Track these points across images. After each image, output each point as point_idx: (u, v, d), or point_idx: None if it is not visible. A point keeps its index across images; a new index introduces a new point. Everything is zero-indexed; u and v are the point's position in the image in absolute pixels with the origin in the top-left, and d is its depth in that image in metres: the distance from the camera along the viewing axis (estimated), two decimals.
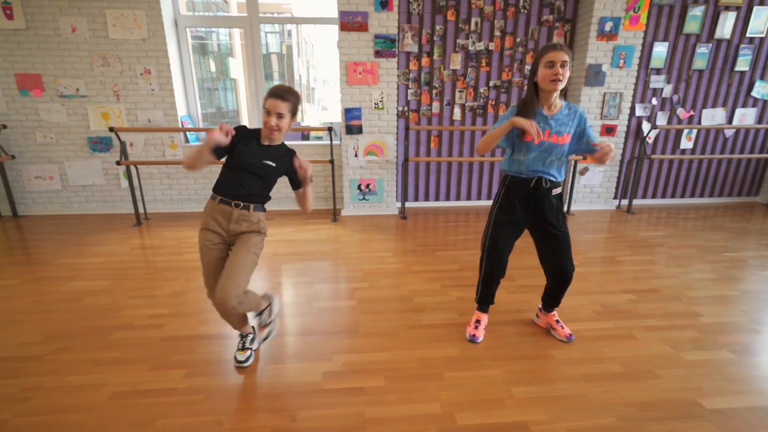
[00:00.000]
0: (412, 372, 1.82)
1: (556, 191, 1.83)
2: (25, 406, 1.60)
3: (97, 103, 4.07)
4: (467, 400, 1.65)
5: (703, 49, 4.35)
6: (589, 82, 4.16)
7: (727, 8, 4.24)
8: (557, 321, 2.08)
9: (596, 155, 1.70)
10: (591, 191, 4.61)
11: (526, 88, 1.88)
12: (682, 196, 4.91)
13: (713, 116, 4.59)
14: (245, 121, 13.44)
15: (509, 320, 2.24)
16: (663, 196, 4.89)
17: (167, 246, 3.42)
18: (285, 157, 1.72)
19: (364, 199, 4.35)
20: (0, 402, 1.62)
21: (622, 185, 4.73)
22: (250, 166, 1.64)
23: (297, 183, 1.78)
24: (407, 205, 4.57)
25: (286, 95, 1.59)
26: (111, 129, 3.62)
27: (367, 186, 4.31)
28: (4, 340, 2.05)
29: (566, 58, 1.63)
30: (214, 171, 4.38)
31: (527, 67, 4.31)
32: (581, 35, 4.17)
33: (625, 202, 4.72)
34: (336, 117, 3.97)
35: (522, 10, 4.14)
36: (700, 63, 4.39)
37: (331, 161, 3.94)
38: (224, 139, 1.53)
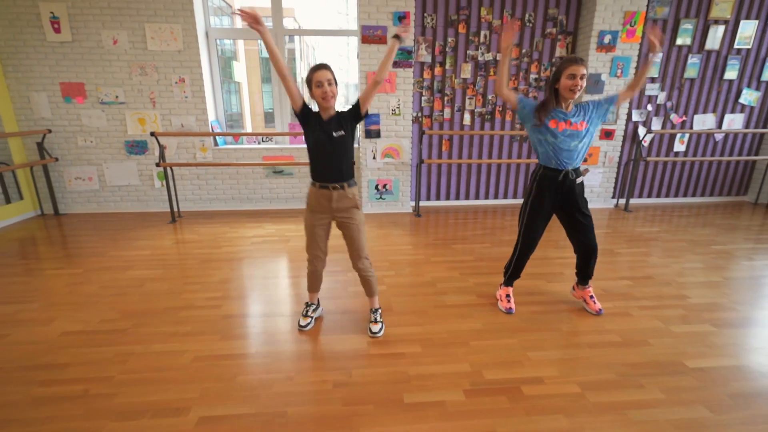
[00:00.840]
0: (443, 341, 2.15)
1: (580, 180, 2.18)
2: (124, 366, 1.93)
3: (135, 109, 4.40)
4: (491, 361, 1.98)
5: (694, 60, 4.70)
6: (589, 90, 4.51)
7: (716, 22, 4.60)
8: (591, 296, 2.44)
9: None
10: (591, 191, 4.95)
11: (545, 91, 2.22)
12: (676, 195, 5.26)
13: (704, 121, 4.95)
14: (248, 123, 13.83)
15: (522, 302, 2.57)
16: (658, 195, 5.24)
17: (205, 240, 3.75)
18: (347, 119, 1.95)
19: (381, 198, 4.69)
20: (103, 363, 1.94)
21: (620, 185, 5.07)
22: (327, 142, 1.92)
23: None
24: (421, 203, 4.91)
25: (326, 65, 1.89)
26: (152, 134, 3.95)
27: (384, 186, 4.65)
28: (88, 317, 2.37)
29: (585, 71, 1.98)
30: (241, 172, 4.71)
31: (532, 76, 4.66)
32: (582, 47, 4.52)
33: (623, 201, 5.06)
34: None
35: (527, 24, 4.49)
36: (691, 72, 4.75)
37: (353, 163, 4.26)
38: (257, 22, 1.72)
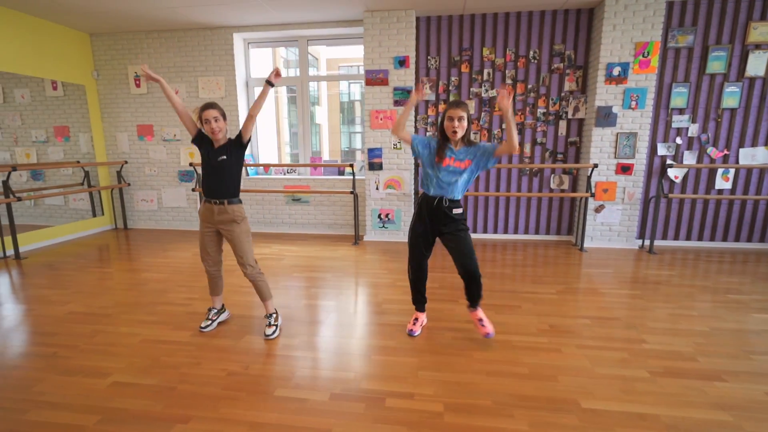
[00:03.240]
0: (346, 351, 2.29)
1: (457, 211, 2.25)
2: (91, 339, 2.43)
3: (187, 145, 5.36)
4: (377, 374, 2.07)
5: (732, 88, 4.24)
6: (599, 123, 4.32)
7: (758, 46, 4.14)
8: (480, 320, 2.40)
9: (503, 114, 2.09)
10: (609, 229, 4.59)
11: (438, 133, 2.37)
12: (724, 240, 4.58)
13: (753, 155, 4.34)
14: (326, 156, 15.14)
15: (452, 327, 2.58)
16: (700, 238, 4.62)
17: None
18: (232, 147, 2.28)
19: (383, 227, 4.92)
20: (78, 336, 2.48)
21: (650, 224, 4.61)
22: (212, 163, 2.27)
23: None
24: None
25: (214, 104, 2.21)
26: (191, 164, 4.79)
27: (387, 215, 4.89)
28: (93, 303, 2.99)
29: (462, 113, 2.11)
30: (266, 199, 5.35)
31: (540, 110, 4.62)
32: (591, 80, 4.40)
33: (649, 242, 4.57)
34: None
35: (533, 60, 4.54)
36: (731, 102, 4.27)
37: (352, 192, 4.63)
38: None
